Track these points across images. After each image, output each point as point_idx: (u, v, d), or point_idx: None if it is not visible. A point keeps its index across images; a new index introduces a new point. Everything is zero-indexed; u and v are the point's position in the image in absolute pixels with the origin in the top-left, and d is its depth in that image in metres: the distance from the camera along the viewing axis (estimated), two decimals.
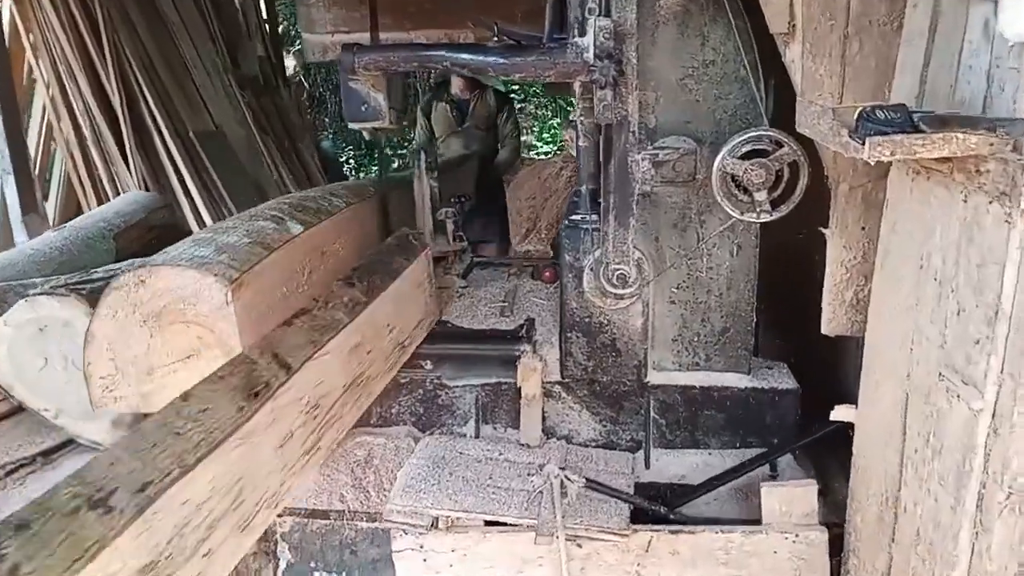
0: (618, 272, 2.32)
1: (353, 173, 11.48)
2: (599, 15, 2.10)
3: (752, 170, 2.09)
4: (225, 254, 2.03)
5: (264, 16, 7.81)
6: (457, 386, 2.69)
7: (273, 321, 2.04)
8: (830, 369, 2.93)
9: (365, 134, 2.81)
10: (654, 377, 2.61)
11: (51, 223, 5.70)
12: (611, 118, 2.12)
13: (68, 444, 2.95)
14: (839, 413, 2.11)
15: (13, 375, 2.85)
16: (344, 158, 11.95)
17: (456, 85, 4.66)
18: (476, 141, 4.79)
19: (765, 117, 2.23)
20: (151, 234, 3.92)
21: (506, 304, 2.74)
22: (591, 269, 2.41)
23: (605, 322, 2.57)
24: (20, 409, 2.93)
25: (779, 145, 2.09)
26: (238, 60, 6.94)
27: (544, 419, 2.65)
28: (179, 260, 1.96)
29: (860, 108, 1.40)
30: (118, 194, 5.86)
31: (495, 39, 2.24)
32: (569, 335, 2.59)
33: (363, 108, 2.66)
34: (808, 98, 2.02)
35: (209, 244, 2.07)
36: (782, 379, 2.59)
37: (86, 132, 5.80)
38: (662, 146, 2.31)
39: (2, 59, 5.35)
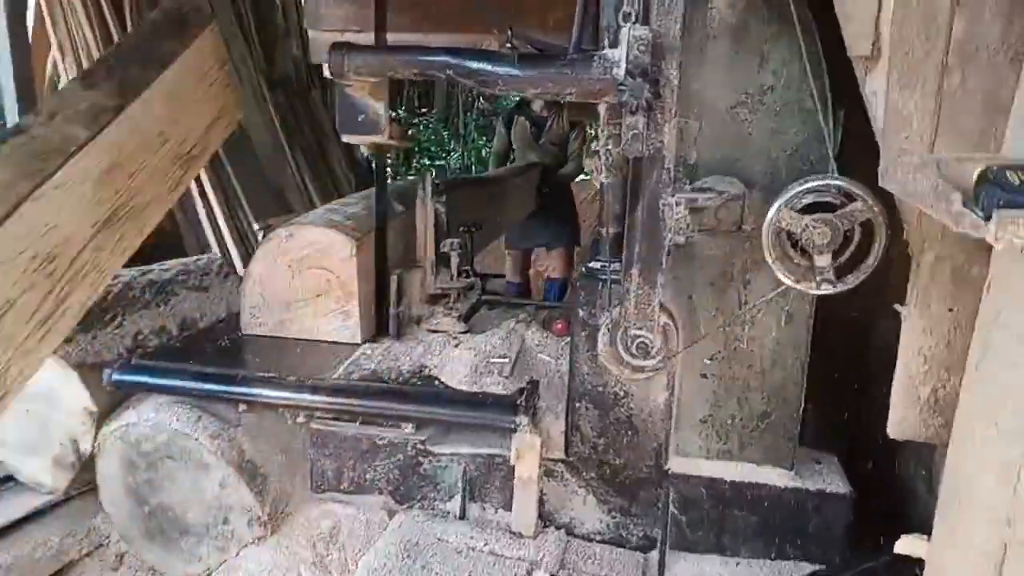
0: (639, 339, 1.88)
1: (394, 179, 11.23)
2: (635, 23, 1.69)
3: (814, 228, 1.64)
4: (351, 220, 2.66)
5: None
6: (443, 454, 2.28)
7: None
8: (887, 462, 2.45)
9: (363, 149, 2.43)
10: (676, 464, 2.16)
11: None
12: (641, 151, 1.70)
13: (7, 480, 2.61)
14: (905, 545, 1.64)
15: None
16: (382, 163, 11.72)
17: (538, 104, 4.94)
18: (549, 156, 5.09)
19: (833, 160, 1.79)
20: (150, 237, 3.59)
21: (507, 360, 2.32)
22: (607, 330, 1.98)
23: (621, 393, 2.14)
24: None
25: (850, 198, 1.64)
26: (274, 59, 6.68)
27: (542, 502, 2.22)
28: (319, 221, 2.63)
29: (984, 167, 0.97)
30: None
31: (508, 46, 1.84)
32: (578, 405, 2.16)
33: (359, 119, 2.29)
34: (891, 140, 1.57)
35: (340, 212, 2.74)
36: (832, 479, 2.12)
37: None
38: (703, 187, 1.88)
39: (24, 54, 5.18)
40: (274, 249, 2.60)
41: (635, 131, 1.68)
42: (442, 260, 2.73)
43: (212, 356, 2.48)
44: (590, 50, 1.97)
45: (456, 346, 2.44)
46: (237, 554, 2.37)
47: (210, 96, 1.88)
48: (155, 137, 1.66)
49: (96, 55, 5.45)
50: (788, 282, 1.70)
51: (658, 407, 2.12)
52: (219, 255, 3.37)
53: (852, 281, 1.66)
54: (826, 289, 1.67)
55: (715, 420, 2.14)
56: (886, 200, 1.66)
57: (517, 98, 5.77)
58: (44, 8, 5.32)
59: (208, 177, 5.74)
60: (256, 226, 5.64)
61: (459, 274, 2.70)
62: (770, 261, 1.69)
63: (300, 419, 2.32)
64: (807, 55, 1.80)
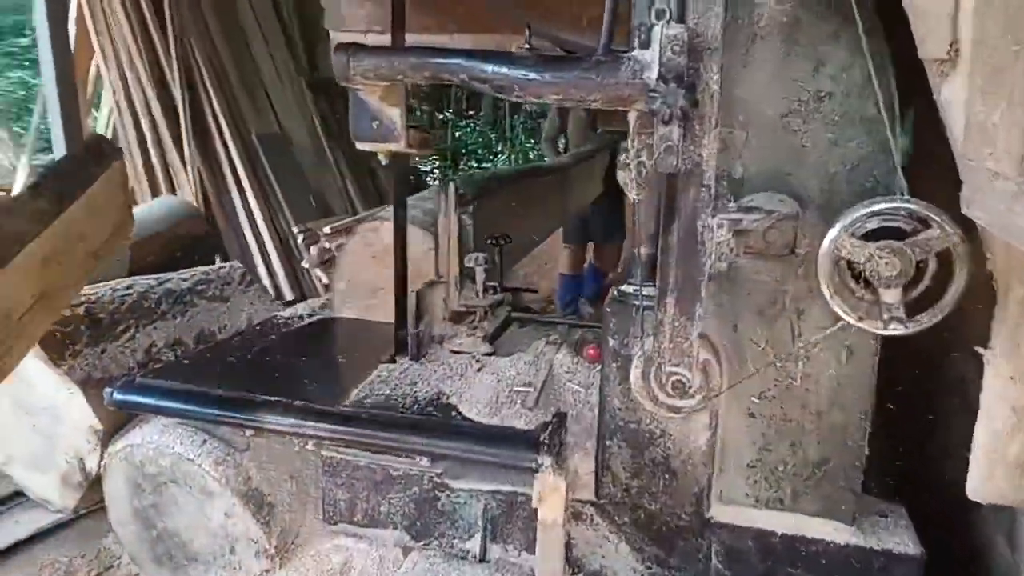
0: (675, 377, 1.66)
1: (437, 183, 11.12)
2: (668, 20, 1.47)
3: (881, 257, 1.40)
4: (428, 216, 2.78)
5: None
6: (462, 489, 2.10)
7: None
8: (960, 515, 2.17)
9: (381, 157, 2.27)
10: (720, 513, 1.94)
11: None
12: (675, 165, 1.48)
13: (17, 496, 2.54)
14: None
15: None
16: (428, 168, 11.59)
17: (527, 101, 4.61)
18: (607, 146, 5.01)
19: (903, 178, 1.53)
20: (174, 245, 3.53)
21: (532, 389, 2.12)
22: (640, 362, 1.77)
23: (657, 432, 1.92)
24: None
25: (923, 224, 1.39)
26: (316, 62, 6.62)
27: (569, 547, 2.01)
28: None
29: None
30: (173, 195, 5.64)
31: (526, 46, 1.64)
32: (608, 443, 1.95)
33: (373, 125, 2.13)
34: (971, 155, 1.32)
35: (418, 208, 2.87)
36: (900, 537, 1.86)
37: (146, 132, 5.57)
38: (749, 207, 1.65)
39: (67, 59, 5.18)
40: (360, 242, 2.86)
41: (669, 143, 1.46)
42: (468, 275, 2.55)
43: (224, 373, 2.34)
44: (620, 51, 1.77)
45: (478, 370, 2.26)
46: None
47: (115, 211, 2.35)
48: (78, 237, 2.14)
49: (137, 61, 5.47)
50: (849, 320, 1.46)
51: (699, 448, 1.90)
52: (239, 265, 3.25)
53: (926, 321, 1.41)
54: (895, 329, 1.42)
55: (764, 465, 1.90)
56: (965, 224, 1.41)
57: None
58: (87, 14, 5.34)
59: (249, 182, 5.71)
60: (296, 230, 5.58)
61: (485, 290, 2.51)
62: (828, 296, 1.46)
63: (309, 446, 2.17)
64: (871, 58, 1.55)
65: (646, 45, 1.53)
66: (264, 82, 6.09)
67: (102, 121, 5.99)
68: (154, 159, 5.62)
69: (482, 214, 2.90)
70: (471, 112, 13.88)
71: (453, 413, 2.00)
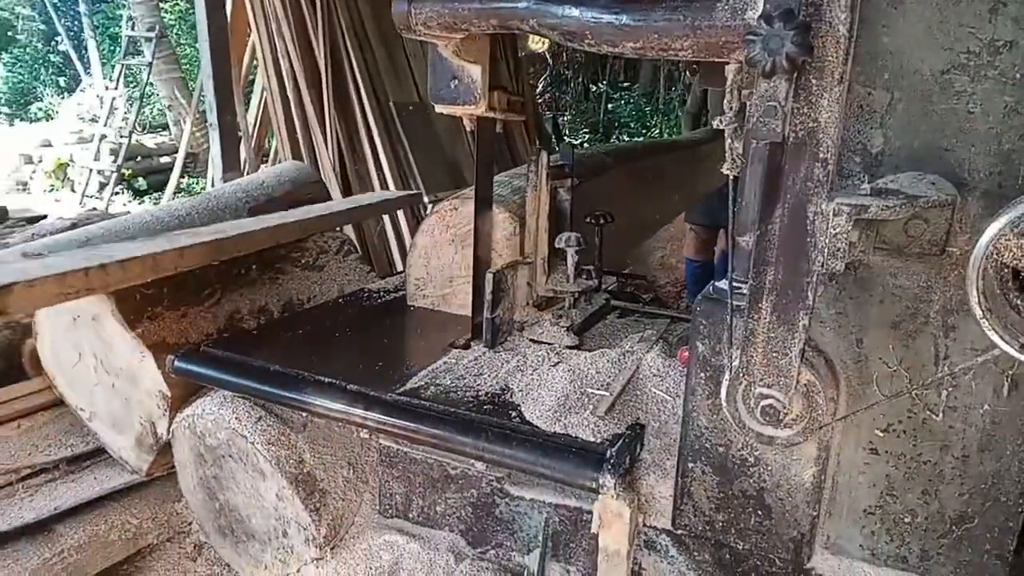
0: (766, 401, 1.33)
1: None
2: None
3: None
4: (517, 196, 2.45)
5: None
6: (522, 498, 1.86)
7: None
8: None
9: (465, 123, 2.04)
10: (823, 565, 1.58)
11: None
12: (781, 132, 1.14)
13: (99, 453, 2.55)
14: None
15: (55, 365, 2.49)
16: (578, 141, 11.30)
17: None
18: None
19: None
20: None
21: (608, 393, 1.83)
22: (728, 379, 1.44)
23: (751, 460, 1.58)
24: (61, 403, 2.59)
25: None
26: None
27: None
28: None
29: None
30: (314, 161, 5.72)
31: None
32: (691, 466, 1.64)
33: (452, 85, 1.91)
34: None
35: (508, 186, 2.55)
36: None
37: (291, 95, 5.66)
38: (884, 189, 1.27)
39: (220, 20, 5.35)
40: (438, 223, 2.50)
41: (771, 104, 1.13)
42: (559, 256, 2.27)
43: (288, 347, 2.21)
44: None
45: (555, 364, 1.99)
46: (298, 571, 2.12)
47: None
48: None
49: (286, 29, 5.55)
50: (1006, 347, 1.07)
51: (802, 485, 1.55)
52: (341, 234, 3.14)
53: None
54: None
55: (887, 514, 1.52)
56: None
57: None
58: None
59: (384, 150, 5.69)
60: (427, 199, 5.50)
61: (578, 275, 2.22)
62: (978, 312, 1.07)
63: (363, 434, 2.00)
64: None
65: None
66: (406, 51, 6.05)
67: (256, 92, 6.19)
68: (297, 126, 5.71)
69: (588, 190, 2.62)
70: (627, 83, 13.45)
71: (512, 414, 1.75)
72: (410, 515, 2.04)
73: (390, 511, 2.07)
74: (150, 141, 12.68)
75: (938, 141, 1.33)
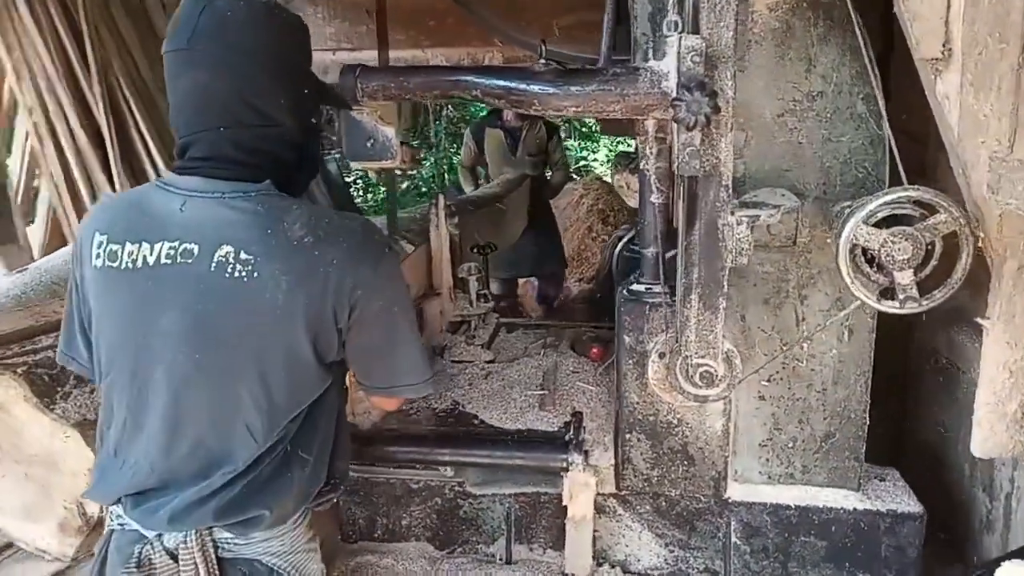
0: (702, 368, 1.76)
1: (362, 196, 10.98)
2: (682, 31, 1.56)
3: (894, 243, 1.53)
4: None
5: None
6: (484, 496, 2.14)
7: None
8: (935, 471, 2.37)
9: (371, 174, 2.28)
10: (736, 492, 2.05)
11: (36, 255, 5.26)
12: (698, 168, 1.57)
13: (7, 548, 2.42)
14: (1008, 572, 1.55)
15: None
16: (353, 179, 11.46)
17: (509, 113, 4.50)
18: (528, 167, 4.73)
19: (900, 167, 1.67)
20: None
21: (546, 392, 2.18)
22: (659, 356, 1.85)
23: (675, 422, 2.01)
24: None
25: (930, 210, 1.53)
26: None
27: (594, 540, 2.09)
28: None
29: None
30: None
31: (542, 61, 1.70)
32: (628, 436, 2.03)
33: (368, 144, 2.14)
34: (966, 143, 1.48)
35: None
36: (901, 497, 2.02)
37: (70, 156, 5.32)
38: (756, 202, 1.76)
39: None
40: None
41: (691, 148, 1.55)
42: (459, 285, 2.58)
43: None
44: (624, 61, 1.85)
45: (485, 377, 2.30)
46: None
47: None
48: None
49: (55, 77, 5.21)
50: (870, 301, 1.58)
51: (715, 434, 2.00)
52: None
53: (939, 297, 1.54)
54: (911, 307, 1.55)
55: (776, 444, 2.03)
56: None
57: (485, 109, 5.47)
58: None
59: None
60: None
61: (478, 298, 2.55)
62: (849, 282, 1.57)
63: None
64: (853, 58, 1.69)
65: (658, 55, 1.62)
66: None
67: (18, 144, 5.70)
68: (80, 184, 5.37)
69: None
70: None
71: (475, 422, 2.04)
72: (375, 535, 2.23)
73: (353, 536, 2.24)
74: None
75: (781, 165, 1.85)
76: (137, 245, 1.24)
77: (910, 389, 2.59)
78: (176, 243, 1.23)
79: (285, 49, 1.33)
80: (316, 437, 1.37)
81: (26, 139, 5.60)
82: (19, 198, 5.96)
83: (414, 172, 12.42)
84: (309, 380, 1.30)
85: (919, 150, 2.26)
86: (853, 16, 1.70)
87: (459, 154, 9.89)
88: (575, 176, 8.96)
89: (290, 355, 1.25)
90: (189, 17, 1.27)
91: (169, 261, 1.22)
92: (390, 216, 2.41)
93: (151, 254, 1.23)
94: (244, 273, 1.20)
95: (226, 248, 1.20)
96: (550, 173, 5.09)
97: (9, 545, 2.37)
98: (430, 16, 2.73)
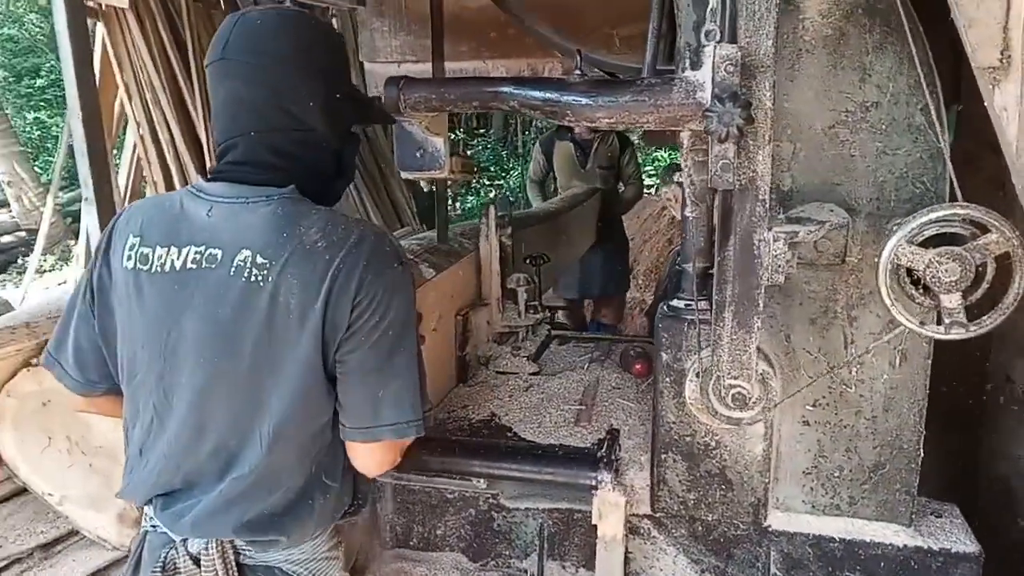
0: (735, 390, 1.69)
1: (453, 204, 11.18)
2: (720, 40, 1.51)
3: (940, 263, 1.43)
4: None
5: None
6: (517, 509, 2.12)
7: None
8: (1009, 511, 2.19)
9: (423, 185, 2.31)
10: (777, 521, 1.96)
11: None
12: (732, 182, 1.52)
13: (72, 535, 2.56)
14: None
15: (17, 452, 2.48)
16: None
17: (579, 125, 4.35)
18: (598, 181, 4.59)
19: (955, 184, 1.57)
20: None
21: (583, 408, 2.14)
22: (696, 375, 1.79)
23: (713, 444, 1.94)
24: (24, 491, 2.57)
25: (981, 228, 1.42)
26: None
27: (627, 562, 2.03)
28: None
29: None
30: None
31: (577, 72, 1.68)
32: (664, 457, 1.97)
33: (418, 155, 2.16)
34: None
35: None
36: (956, 536, 1.88)
37: (171, 165, 5.65)
38: (800, 218, 1.68)
39: (90, 87, 5.26)
40: None
41: (724, 161, 1.50)
42: (509, 296, 2.58)
43: None
44: (666, 72, 1.81)
45: (526, 390, 2.28)
46: None
47: None
48: None
49: (159, 88, 5.54)
50: (911, 326, 1.49)
51: (755, 458, 1.92)
52: None
53: (988, 324, 1.43)
54: (957, 333, 1.45)
55: (821, 472, 1.93)
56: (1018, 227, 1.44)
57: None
58: (110, 52, 5.43)
59: None
60: None
61: (527, 310, 2.54)
62: (888, 303, 1.48)
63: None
64: (917, 67, 1.59)
65: (696, 65, 1.57)
66: None
67: (126, 156, 6.08)
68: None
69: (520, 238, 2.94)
70: (481, 130, 13.98)
71: (508, 434, 2.03)
72: (411, 543, 2.24)
73: (390, 543, 2.26)
74: None
75: (831, 178, 1.76)
76: (167, 249, 1.27)
77: (985, 420, 2.42)
78: (203, 248, 1.25)
79: (316, 55, 1.35)
80: (342, 463, 1.37)
81: (133, 151, 5.97)
82: (125, 203, 6.35)
83: (501, 182, 12.58)
84: (321, 393, 1.28)
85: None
86: (910, 21, 1.60)
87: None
88: (648, 192, 8.83)
89: (303, 363, 1.24)
90: (224, 30, 1.33)
91: (195, 266, 1.25)
92: (440, 229, 2.43)
93: (179, 258, 1.26)
94: (260, 277, 1.21)
95: (245, 252, 1.22)
96: (623, 188, 4.96)
97: (74, 532, 2.51)
98: (491, 28, 2.74)
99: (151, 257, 1.28)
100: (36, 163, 9.27)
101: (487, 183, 13.27)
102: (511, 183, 12.11)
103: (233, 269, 1.22)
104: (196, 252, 1.25)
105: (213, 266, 1.24)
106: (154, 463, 1.32)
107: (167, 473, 1.31)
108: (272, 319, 1.22)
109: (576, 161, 4.61)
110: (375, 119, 1.86)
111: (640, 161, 5.20)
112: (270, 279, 1.21)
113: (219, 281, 1.23)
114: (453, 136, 13.64)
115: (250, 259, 1.22)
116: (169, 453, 1.30)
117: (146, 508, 1.41)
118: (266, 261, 1.21)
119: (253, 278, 1.21)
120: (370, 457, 1.35)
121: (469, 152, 13.96)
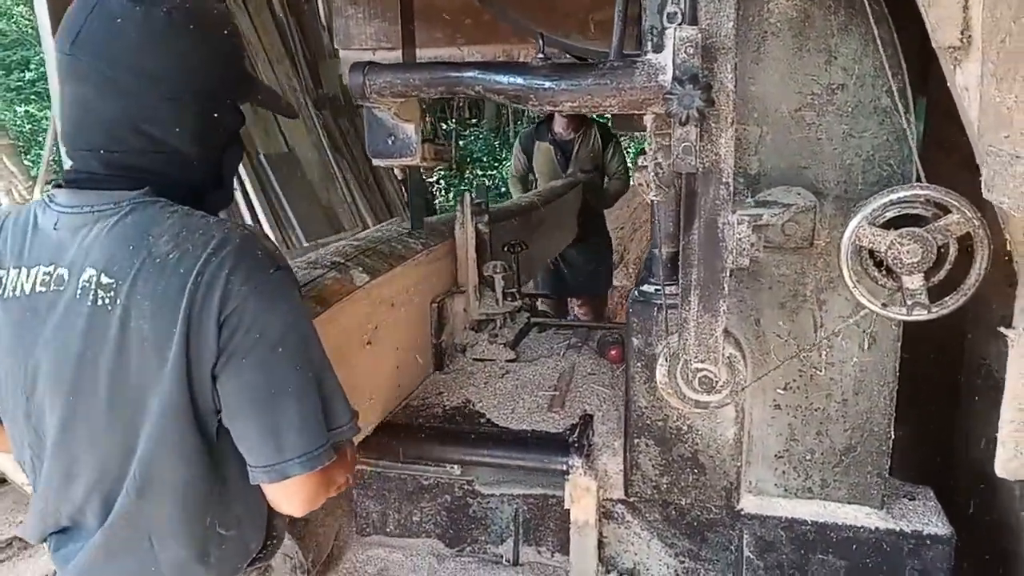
0: (702, 373, 1.69)
1: (443, 195, 11.16)
2: (681, 23, 1.50)
3: (901, 244, 1.43)
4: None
5: None
6: (493, 495, 2.12)
7: None
8: (985, 492, 2.19)
9: (396, 172, 2.30)
10: (750, 504, 1.96)
11: None
12: (694, 165, 1.51)
13: None
14: None
15: None
16: (434, 178, 11.65)
17: (559, 124, 4.32)
18: (583, 180, 4.46)
19: (920, 166, 1.56)
20: None
21: (557, 393, 2.14)
22: (666, 360, 1.79)
23: (684, 428, 1.94)
24: (3, 481, 2.58)
25: (943, 209, 1.42)
26: (320, 80, 6.69)
27: (602, 546, 2.04)
28: None
29: None
30: None
31: (540, 56, 1.67)
32: (636, 442, 1.98)
33: (388, 141, 2.15)
34: (988, 139, 1.36)
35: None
36: (929, 518, 1.89)
37: None
38: (766, 201, 1.68)
39: None
40: None
41: (687, 144, 1.49)
42: (487, 283, 2.57)
43: None
44: (631, 55, 1.80)
45: (502, 376, 2.28)
46: None
47: None
48: None
49: None
50: (873, 308, 1.49)
51: (727, 442, 1.92)
52: None
53: (951, 304, 1.43)
54: (919, 314, 1.45)
55: (792, 455, 1.93)
56: (982, 208, 1.43)
57: (538, 116, 5.13)
58: None
59: (258, 198, 5.77)
60: (307, 245, 5.63)
61: (504, 297, 2.53)
62: (851, 285, 1.48)
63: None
64: (882, 49, 1.58)
65: (659, 48, 1.56)
66: None
67: None
68: None
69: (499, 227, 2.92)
70: (474, 120, 13.95)
71: (482, 420, 2.03)
72: (387, 529, 2.24)
73: (368, 529, 2.26)
74: None
75: (798, 162, 1.75)
76: (17, 271, 1.10)
77: (960, 403, 2.42)
78: (51, 268, 1.07)
79: (190, 71, 1.10)
80: (238, 508, 1.16)
81: None
82: None
83: (494, 172, 12.56)
84: (194, 434, 1.07)
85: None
86: (867, 2, 1.59)
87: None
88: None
89: (167, 403, 1.04)
90: (75, 19, 1.07)
91: (44, 288, 1.07)
92: (414, 218, 2.42)
93: (27, 281, 1.08)
94: (107, 300, 1.02)
95: (89, 272, 1.03)
96: (607, 181, 4.75)
97: None
98: (466, 14, 2.72)
99: (3, 280, 1.10)
100: (27, 157, 9.21)
101: (479, 173, 13.26)
102: (504, 173, 12.10)
103: (79, 291, 1.03)
104: (45, 273, 1.07)
105: (61, 288, 1.05)
106: (37, 502, 1.17)
107: (50, 515, 1.16)
108: (125, 349, 1.02)
109: (557, 164, 4.45)
110: (269, 108, 1.72)
111: (631, 151, 5.13)
112: (118, 302, 1.01)
113: (67, 306, 1.05)
114: (445, 126, 13.64)
115: (95, 279, 1.03)
116: (45, 495, 1.15)
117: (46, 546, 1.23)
118: (112, 281, 1.02)
119: (100, 301, 1.02)
120: (286, 499, 1.12)
121: (461, 142, 13.94)
